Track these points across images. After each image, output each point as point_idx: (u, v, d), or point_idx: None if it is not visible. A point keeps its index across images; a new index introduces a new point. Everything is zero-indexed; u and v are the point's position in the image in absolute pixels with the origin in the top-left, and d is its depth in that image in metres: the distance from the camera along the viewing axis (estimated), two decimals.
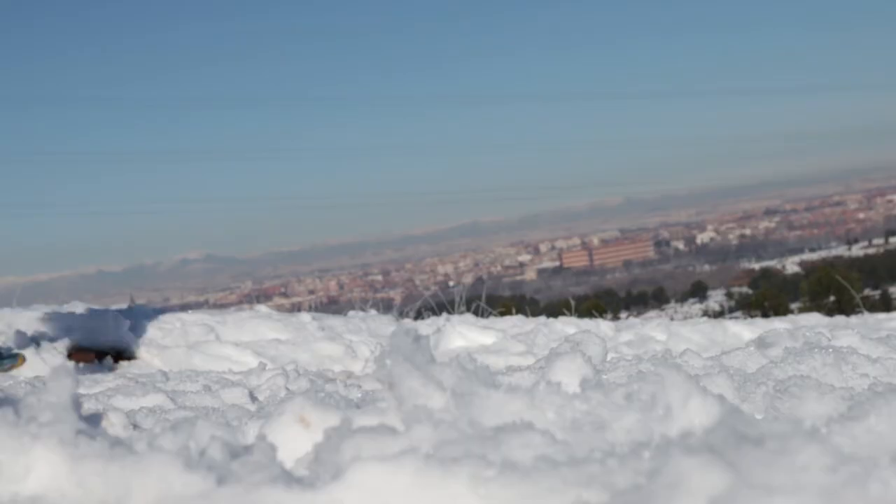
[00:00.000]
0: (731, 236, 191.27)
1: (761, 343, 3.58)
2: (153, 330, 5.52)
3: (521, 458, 1.11)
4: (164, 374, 4.39)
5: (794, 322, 7.24)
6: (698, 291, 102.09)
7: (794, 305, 42.68)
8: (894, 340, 3.19)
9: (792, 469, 0.89)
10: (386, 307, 9.13)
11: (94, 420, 1.70)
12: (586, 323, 7.11)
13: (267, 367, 4.17)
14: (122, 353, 5.23)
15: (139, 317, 5.72)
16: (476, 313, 7.85)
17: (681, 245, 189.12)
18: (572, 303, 8.98)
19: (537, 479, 1.02)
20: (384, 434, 1.21)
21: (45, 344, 4.90)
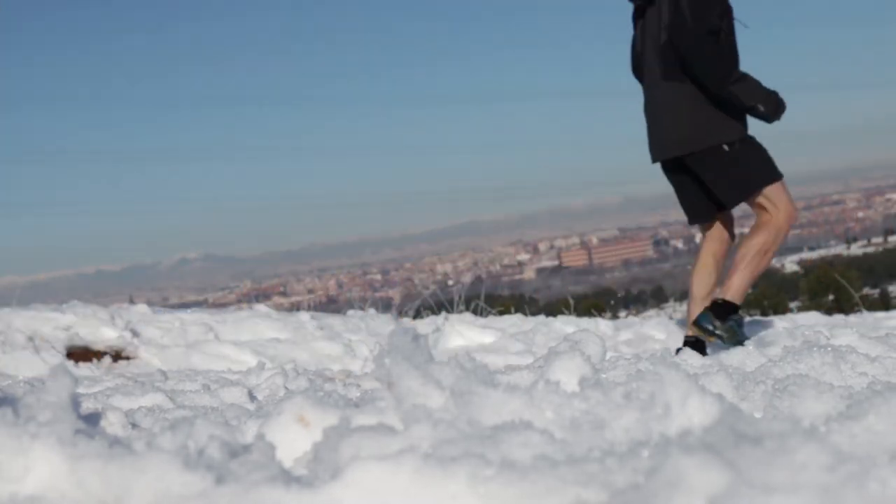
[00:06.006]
0: None
1: (760, 342, 3.58)
2: (152, 329, 5.52)
3: (520, 458, 1.11)
4: (163, 373, 4.39)
5: (792, 321, 7.24)
6: None
7: (792, 304, 42.62)
8: (893, 339, 3.19)
9: (791, 468, 0.89)
10: (385, 306, 9.14)
11: (92, 420, 1.70)
12: (585, 322, 7.11)
13: (266, 367, 4.17)
14: (121, 353, 5.23)
15: (138, 316, 5.72)
16: (475, 312, 7.85)
17: (680, 244, 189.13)
18: (571, 302, 9.00)
19: (536, 478, 1.02)
20: (383, 433, 1.21)
21: (44, 343, 4.90)
